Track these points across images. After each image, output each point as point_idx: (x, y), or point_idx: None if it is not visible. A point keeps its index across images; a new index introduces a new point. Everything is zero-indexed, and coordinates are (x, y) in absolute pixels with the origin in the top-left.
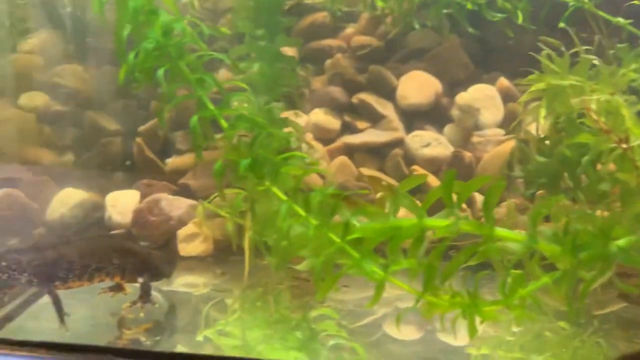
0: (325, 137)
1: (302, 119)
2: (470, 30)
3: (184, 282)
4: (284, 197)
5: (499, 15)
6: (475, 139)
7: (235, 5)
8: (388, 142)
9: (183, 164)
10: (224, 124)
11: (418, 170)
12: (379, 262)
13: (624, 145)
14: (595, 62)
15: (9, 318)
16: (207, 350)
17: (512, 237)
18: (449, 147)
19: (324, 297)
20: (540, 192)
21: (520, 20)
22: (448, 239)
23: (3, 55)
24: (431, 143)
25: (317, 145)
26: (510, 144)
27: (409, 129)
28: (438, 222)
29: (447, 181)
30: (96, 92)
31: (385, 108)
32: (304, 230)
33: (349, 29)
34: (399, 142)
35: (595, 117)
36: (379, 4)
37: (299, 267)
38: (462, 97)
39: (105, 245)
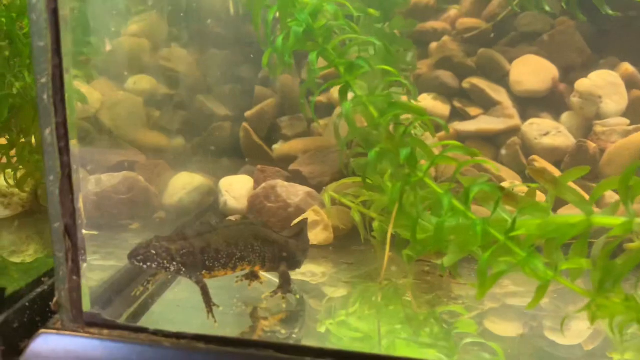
0: (433, 123)
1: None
2: (580, 16)
3: (303, 271)
4: (438, 189)
5: None
6: (598, 129)
7: None
8: (504, 130)
9: (291, 150)
10: (373, 112)
11: (538, 160)
12: (543, 261)
13: None
14: None
15: (146, 306)
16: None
17: None
18: (570, 137)
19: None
20: None
21: None
22: (620, 237)
23: (111, 38)
24: (550, 132)
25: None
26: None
27: (523, 116)
28: (609, 220)
29: (627, 174)
30: (202, 76)
31: (498, 94)
32: (458, 224)
33: (453, 11)
34: (515, 130)
35: None
36: None
37: (441, 261)
38: (583, 84)
39: (248, 233)
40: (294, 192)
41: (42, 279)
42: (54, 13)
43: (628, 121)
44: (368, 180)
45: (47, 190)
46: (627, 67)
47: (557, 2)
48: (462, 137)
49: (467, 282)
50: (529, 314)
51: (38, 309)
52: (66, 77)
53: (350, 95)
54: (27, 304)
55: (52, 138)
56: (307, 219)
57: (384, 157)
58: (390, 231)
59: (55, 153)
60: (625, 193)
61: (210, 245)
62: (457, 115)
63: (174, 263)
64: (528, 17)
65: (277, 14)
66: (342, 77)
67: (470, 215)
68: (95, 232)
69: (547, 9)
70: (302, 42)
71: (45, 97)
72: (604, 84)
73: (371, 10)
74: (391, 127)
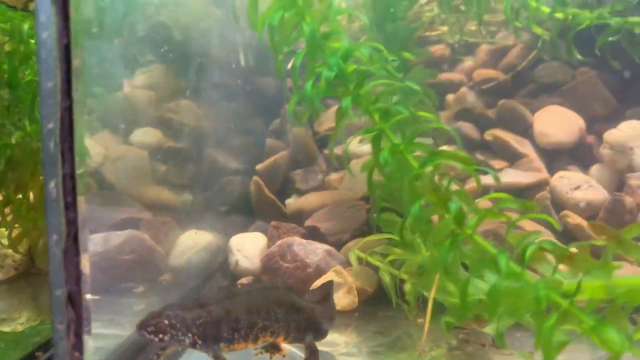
0: (457, 177)
1: None
2: (614, 63)
3: (324, 340)
4: (491, 248)
5: None
6: (633, 182)
7: (368, 36)
8: (533, 184)
9: (306, 205)
10: (412, 162)
11: (571, 216)
12: (613, 329)
13: None
14: None
15: None
16: None
17: None
18: (603, 191)
19: None
20: None
21: None
22: None
23: (115, 91)
24: (582, 185)
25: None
26: None
27: (550, 170)
28: None
29: None
30: (212, 128)
31: (523, 146)
32: (513, 287)
33: (468, 62)
34: (544, 184)
35: None
36: (536, 30)
37: (486, 329)
38: (613, 135)
39: (270, 300)
40: (313, 251)
41: (36, 354)
42: (66, 49)
43: None
44: (397, 238)
45: (49, 251)
46: None
47: (577, 52)
48: (487, 191)
49: (512, 351)
50: None
51: None
52: (77, 122)
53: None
54: None
55: (58, 192)
56: (332, 281)
57: (429, 211)
58: (432, 295)
59: (60, 209)
60: None
61: (230, 313)
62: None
63: (189, 335)
64: (548, 67)
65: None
66: (377, 124)
67: (526, 277)
68: (96, 297)
69: (579, 57)
70: (332, 87)
71: (51, 144)
72: (635, 134)
73: (407, 55)
74: (436, 178)
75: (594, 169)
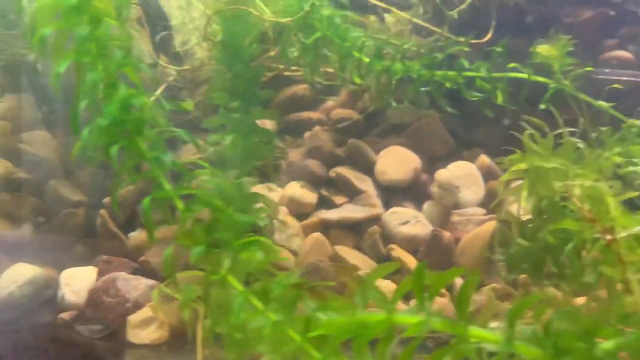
0: (301, 211)
1: (276, 193)
2: (449, 109)
3: None
4: (240, 287)
5: (478, 95)
6: (455, 218)
7: (212, 76)
8: (366, 218)
9: (146, 239)
10: (179, 205)
11: (396, 249)
12: None
13: (609, 237)
14: (580, 145)
15: None
16: None
17: (487, 338)
18: (428, 226)
19: None
20: (523, 276)
21: (499, 101)
22: (418, 338)
23: None
24: (410, 221)
25: (291, 221)
26: (492, 224)
27: (388, 205)
28: (409, 319)
29: (418, 272)
30: (64, 160)
31: (363, 183)
32: (260, 324)
33: (330, 102)
34: (376, 219)
35: (579, 203)
36: (356, 80)
37: None
38: (442, 174)
39: (41, 337)
40: (135, 286)
41: None
42: None
43: (484, 211)
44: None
45: None
46: (484, 158)
47: (426, 95)
48: (327, 225)
49: None
50: None
51: None
52: None
53: None
54: None
55: None
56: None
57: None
58: (199, 328)
59: None
60: (420, 291)
61: None
62: (325, 203)
63: None
64: (397, 109)
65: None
66: (152, 170)
67: (270, 315)
68: None
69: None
70: (108, 134)
71: None
72: (462, 174)
73: (186, 104)
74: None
75: (426, 205)
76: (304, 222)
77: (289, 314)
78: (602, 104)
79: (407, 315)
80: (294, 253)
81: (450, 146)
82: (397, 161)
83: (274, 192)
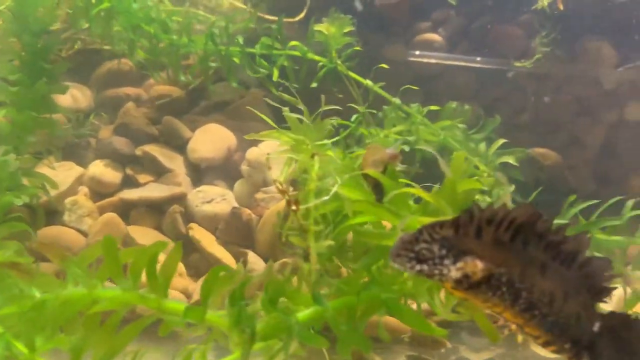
0: (103, 191)
1: (74, 171)
2: (273, 89)
3: None
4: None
5: (262, 71)
6: (259, 195)
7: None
8: (168, 198)
9: None
10: None
11: (195, 228)
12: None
13: (294, 208)
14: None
15: None
16: None
17: (177, 309)
18: (233, 204)
19: None
20: None
21: (275, 78)
22: (119, 312)
23: None
24: (215, 199)
25: (84, 201)
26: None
27: (199, 184)
28: (107, 294)
29: (108, 248)
30: None
31: (172, 161)
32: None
33: (153, 79)
34: (180, 198)
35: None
36: (140, 54)
37: None
38: (252, 152)
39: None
40: None
41: None
42: None
43: (291, 188)
44: None
45: None
46: None
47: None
48: (127, 205)
49: None
50: None
51: None
52: None
53: None
54: None
55: None
56: None
57: None
58: None
59: None
60: (116, 267)
61: None
62: (130, 182)
63: None
64: (220, 87)
65: None
66: None
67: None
68: None
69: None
70: None
71: None
72: (271, 152)
73: None
74: None
75: (237, 184)
76: (101, 202)
77: None
78: (369, 83)
79: (106, 291)
80: (84, 234)
81: (270, 125)
82: (211, 139)
83: (71, 171)
